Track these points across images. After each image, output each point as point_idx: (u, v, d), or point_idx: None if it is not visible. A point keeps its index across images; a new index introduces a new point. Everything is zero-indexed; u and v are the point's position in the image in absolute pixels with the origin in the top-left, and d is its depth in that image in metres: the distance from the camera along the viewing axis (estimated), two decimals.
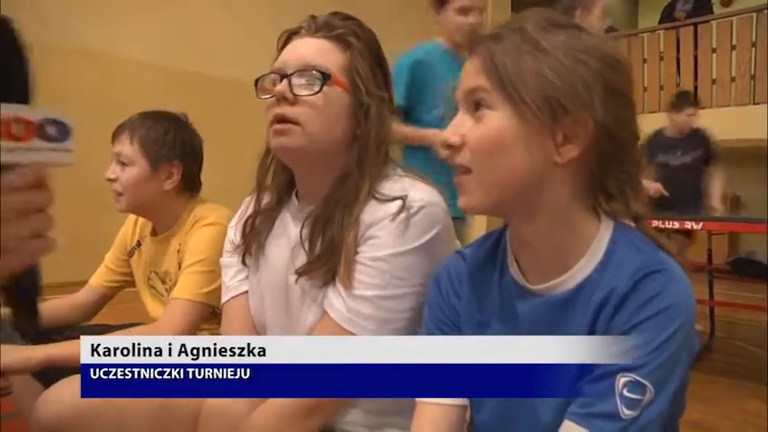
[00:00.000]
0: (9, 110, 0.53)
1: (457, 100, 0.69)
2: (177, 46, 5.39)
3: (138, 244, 1.52)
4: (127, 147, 1.36)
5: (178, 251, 1.39)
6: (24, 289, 0.60)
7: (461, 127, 0.66)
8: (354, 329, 0.84)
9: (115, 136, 1.39)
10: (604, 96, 0.62)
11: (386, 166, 0.92)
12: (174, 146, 1.40)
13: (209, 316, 1.36)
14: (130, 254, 1.54)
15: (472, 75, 0.66)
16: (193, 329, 1.29)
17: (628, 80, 0.66)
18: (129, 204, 1.39)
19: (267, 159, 0.99)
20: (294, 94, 0.86)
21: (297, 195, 0.98)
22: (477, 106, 0.65)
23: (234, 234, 1.03)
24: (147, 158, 1.37)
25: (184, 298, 1.28)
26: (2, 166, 0.53)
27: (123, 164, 1.37)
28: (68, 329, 1.46)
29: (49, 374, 1.12)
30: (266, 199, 1.00)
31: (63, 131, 0.56)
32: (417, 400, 0.75)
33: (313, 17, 0.93)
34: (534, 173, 0.63)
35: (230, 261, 1.03)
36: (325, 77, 0.86)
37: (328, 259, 0.87)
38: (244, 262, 1.00)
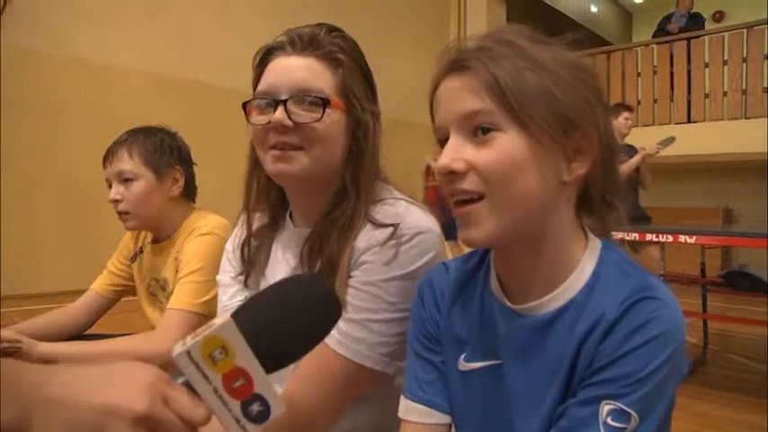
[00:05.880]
0: (261, 380, 0.50)
1: (445, 122, 0.63)
2: (170, 54, 5.39)
3: (141, 251, 1.53)
4: (128, 163, 1.37)
5: (175, 258, 1.40)
6: None
7: (462, 152, 0.61)
8: (345, 352, 0.82)
9: (109, 157, 1.39)
10: (601, 109, 0.63)
11: (383, 189, 0.90)
12: (171, 152, 1.42)
13: None
14: (132, 259, 1.54)
15: (468, 96, 0.61)
16: None
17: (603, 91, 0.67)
18: (138, 220, 1.39)
19: (252, 182, 0.96)
20: (295, 123, 0.82)
21: (291, 218, 0.96)
22: (480, 130, 0.60)
23: (232, 253, 1.01)
24: (150, 169, 1.38)
25: (180, 308, 1.28)
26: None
27: (127, 180, 1.37)
28: (70, 340, 1.44)
29: None
30: (258, 222, 0.98)
31: (262, 415, 0.51)
32: (402, 419, 0.74)
33: (294, 31, 0.88)
34: (547, 193, 0.61)
35: (228, 281, 1.00)
36: (325, 102, 0.83)
37: (327, 276, 0.85)
38: (246, 284, 0.98)
